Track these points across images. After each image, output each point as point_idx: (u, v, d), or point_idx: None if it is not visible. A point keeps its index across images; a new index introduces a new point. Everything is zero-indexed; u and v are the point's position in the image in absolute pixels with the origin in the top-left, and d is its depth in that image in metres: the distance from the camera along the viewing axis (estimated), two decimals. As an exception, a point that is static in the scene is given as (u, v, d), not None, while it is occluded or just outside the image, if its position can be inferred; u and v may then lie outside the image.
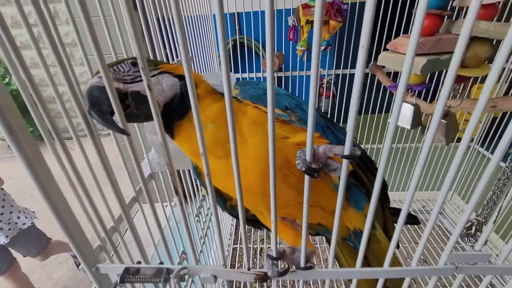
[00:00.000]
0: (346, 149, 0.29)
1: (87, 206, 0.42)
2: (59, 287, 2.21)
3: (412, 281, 1.53)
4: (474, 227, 1.05)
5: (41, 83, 4.16)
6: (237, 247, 1.84)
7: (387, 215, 0.66)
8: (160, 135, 0.31)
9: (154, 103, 0.28)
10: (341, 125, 0.60)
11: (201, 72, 1.13)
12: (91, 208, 0.42)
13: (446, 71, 0.27)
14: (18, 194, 2.02)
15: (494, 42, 0.65)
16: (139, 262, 0.45)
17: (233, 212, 0.66)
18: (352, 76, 1.69)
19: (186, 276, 0.43)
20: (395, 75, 0.71)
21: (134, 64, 0.48)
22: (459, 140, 1.88)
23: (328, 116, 2.51)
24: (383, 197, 0.68)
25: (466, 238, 1.07)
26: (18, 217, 1.69)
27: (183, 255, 0.82)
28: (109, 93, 0.29)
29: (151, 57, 0.78)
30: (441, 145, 1.83)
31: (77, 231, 0.42)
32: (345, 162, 0.30)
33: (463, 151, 0.30)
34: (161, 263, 0.45)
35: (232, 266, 1.74)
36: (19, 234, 1.68)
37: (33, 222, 1.77)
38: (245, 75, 1.65)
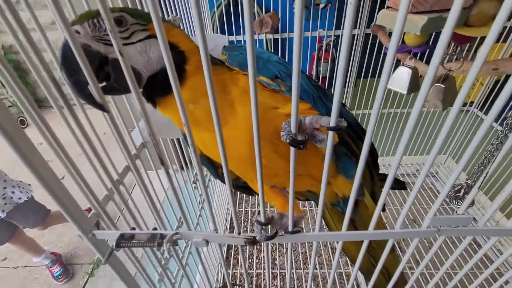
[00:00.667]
0: (332, 120, 0.28)
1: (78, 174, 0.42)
2: (70, 248, 2.35)
3: (401, 240, 1.62)
4: (463, 190, 1.09)
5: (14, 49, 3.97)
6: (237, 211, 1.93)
7: (375, 181, 0.67)
8: (141, 109, 0.29)
9: (133, 81, 0.27)
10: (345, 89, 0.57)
11: (191, 34, 1.06)
12: (79, 178, 0.42)
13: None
14: (13, 167, 2.05)
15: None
16: (133, 228, 0.47)
17: (224, 179, 0.67)
18: (354, 37, 1.60)
19: (186, 246, 0.45)
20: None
21: (120, 21, 0.43)
22: (465, 105, 1.85)
23: (328, 81, 2.44)
24: (372, 164, 0.69)
25: (454, 201, 1.10)
26: (13, 192, 1.71)
27: (181, 221, 0.85)
28: (81, 65, 0.26)
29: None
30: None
31: (68, 201, 0.43)
32: (330, 133, 0.29)
33: (455, 115, 0.29)
34: (155, 229, 0.47)
35: (232, 231, 1.83)
36: (16, 208, 1.72)
37: (29, 196, 1.80)
38: (240, 38, 1.56)
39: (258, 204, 1.97)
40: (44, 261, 2.04)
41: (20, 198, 1.74)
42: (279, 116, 0.49)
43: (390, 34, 1.30)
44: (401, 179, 2.14)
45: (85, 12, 0.43)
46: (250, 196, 1.99)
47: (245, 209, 1.99)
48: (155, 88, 0.47)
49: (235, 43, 1.60)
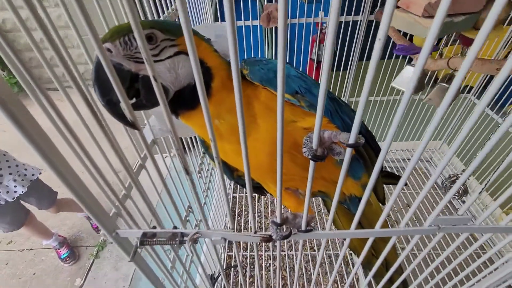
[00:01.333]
0: (352, 138, 0.30)
1: (96, 174, 0.44)
2: (74, 231, 2.41)
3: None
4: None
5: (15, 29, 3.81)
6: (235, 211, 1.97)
7: (378, 179, 0.70)
8: (170, 127, 0.31)
9: (165, 104, 0.28)
10: (340, 72, 0.57)
11: (193, 24, 1.04)
12: (100, 178, 0.44)
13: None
14: (17, 148, 2.04)
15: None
16: (154, 227, 0.50)
17: (239, 181, 0.70)
18: (355, 24, 1.57)
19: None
20: (404, 33, 0.67)
21: (150, 38, 0.43)
22: (463, 92, 1.87)
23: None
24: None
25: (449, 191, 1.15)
26: (25, 169, 1.75)
27: (200, 221, 0.88)
28: (114, 87, 0.27)
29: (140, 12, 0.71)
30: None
31: (91, 200, 0.44)
32: (349, 149, 0.31)
33: (448, 103, 0.28)
34: (175, 227, 0.49)
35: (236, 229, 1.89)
36: (31, 185, 1.76)
37: (40, 172, 1.84)
38: (241, 23, 1.52)
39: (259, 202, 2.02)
40: (52, 243, 2.11)
41: (33, 175, 1.78)
42: (298, 129, 0.51)
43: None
44: (396, 164, 2.20)
45: (115, 27, 0.43)
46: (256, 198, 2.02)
47: (254, 213, 2.04)
48: (180, 102, 0.48)
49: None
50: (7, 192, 1.67)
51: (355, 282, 1.49)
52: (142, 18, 0.72)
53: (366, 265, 0.74)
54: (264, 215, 1.89)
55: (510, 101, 1.40)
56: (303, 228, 0.45)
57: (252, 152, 0.45)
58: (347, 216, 0.70)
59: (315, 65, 3.04)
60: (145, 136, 0.73)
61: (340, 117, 0.55)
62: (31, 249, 2.28)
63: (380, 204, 0.69)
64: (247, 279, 1.49)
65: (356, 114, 0.29)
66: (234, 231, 0.47)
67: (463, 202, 1.48)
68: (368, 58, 1.67)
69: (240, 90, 0.27)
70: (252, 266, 1.58)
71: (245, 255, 1.68)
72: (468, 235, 0.49)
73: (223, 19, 1.52)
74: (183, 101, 0.48)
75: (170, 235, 0.48)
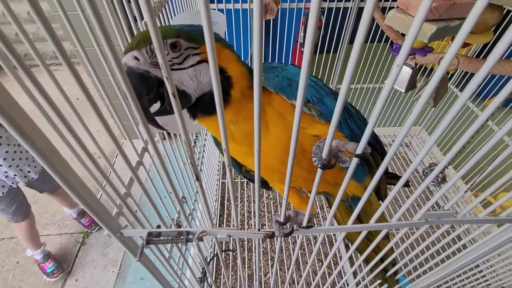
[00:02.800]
0: (359, 149, 0.32)
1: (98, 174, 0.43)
2: (57, 219, 2.35)
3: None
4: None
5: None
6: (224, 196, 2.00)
7: (382, 179, 0.74)
8: (186, 140, 0.31)
9: (182, 121, 0.28)
10: (330, 55, 0.59)
11: (176, 11, 0.98)
12: (101, 176, 0.43)
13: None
14: None
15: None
16: (158, 226, 0.50)
17: (247, 175, 0.72)
18: (345, 10, 1.56)
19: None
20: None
21: (174, 46, 0.43)
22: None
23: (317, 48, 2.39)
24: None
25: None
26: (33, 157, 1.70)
27: (192, 210, 0.89)
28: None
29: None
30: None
31: (92, 200, 0.44)
32: (355, 159, 0.33)
33: (429, 93, 0.29)
34: (179, 226, 0.50)
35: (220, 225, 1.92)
36: (42, 171, 1.77)
37: None
38: (230, 6, 1.46)
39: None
40: (37, 257, 1.96)
41: (33, 178, 1.75)
42: (306, 135, 0.52)
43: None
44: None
45: (141, 34, 0.44)
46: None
47: (260, 210, 2.07)
48: (199, 107, 0.49)
49: (224, 12, 1.48)
50: (24, 176, 1.67)
51: (338, 259, 1.60)
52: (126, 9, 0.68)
53: (361, 253, 0.80)
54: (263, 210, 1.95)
55: (489, 96, 1.49)
56: (304, 224, 0.48)
57: (262, 155, 0.47)
58: (348, 212, 0.74)
59: (303, 49, 3.02)
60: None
61: (349, 126, 0.57)
62: (11, 237, 2.22)
63: (381, 202, 0.74)
64: (246, 263, 1.55)
65: (366, 129, 0.31)
66: (238, 229, 0.49)
67: (440, 188, 1.59)
68: (351, 42, 1.68)
69: (260, 108, 0.28)
70: (241, 249, 1.64)
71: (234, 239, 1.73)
72: (449, 226, 0.55)
73: (212, 1, 1.45)
74: (202, 106, 0.49)
75: (175, 233, 0.49)
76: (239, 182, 2.07)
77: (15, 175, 1.62)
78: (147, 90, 0.35)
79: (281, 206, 1.91)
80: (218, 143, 0.67)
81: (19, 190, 1.75)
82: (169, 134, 1.07)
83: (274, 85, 0.52)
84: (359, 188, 0.66)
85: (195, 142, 1.27)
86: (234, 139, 0.53)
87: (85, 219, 2.24)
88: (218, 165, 2.12)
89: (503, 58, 0.62)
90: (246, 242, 1.71)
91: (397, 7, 0.61)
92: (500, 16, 0.59)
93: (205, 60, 0.46)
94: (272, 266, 1.69)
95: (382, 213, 0.49)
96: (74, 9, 0.35)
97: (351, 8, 1.51)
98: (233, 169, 0.77)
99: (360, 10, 1.51)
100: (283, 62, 2.14)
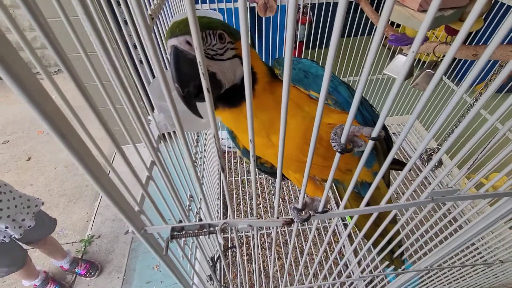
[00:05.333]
0: (375, 132, 0.34)
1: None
2: (57, 229, 2.31)
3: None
4: (434, 154, 1.27)
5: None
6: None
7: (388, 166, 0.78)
8: (214, 132, 0.33)
9: (212, 112, 0.30)
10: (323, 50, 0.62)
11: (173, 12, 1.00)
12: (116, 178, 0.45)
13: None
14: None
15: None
16: (180, 221, 0.52)
17: (261, 167, 0.75)
18: (328, 5, 1.60)
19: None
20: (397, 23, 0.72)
21: (221, 37, 0.46)
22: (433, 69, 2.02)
23: (305, 45, 2.44)
24: (387, 151, 0.78)
25: (427, 163, 1.29)
26: (28, 200, 1.56)
27: (199, 209, 0.91)
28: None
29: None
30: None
31: (119, 198, 0.45)
32: (371, 142, 0.36)
33: (433, 88, 0.32)
34: (200, 219, 0.52)
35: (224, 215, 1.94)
36: (38, 212, 1.60)
37: (43, 203, 1.65)
38: (222, 5, 1.47)
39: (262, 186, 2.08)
40: (35, 284, 1.86)
41: (36, 206, 1.58)
42: (322, 124, 0.54)
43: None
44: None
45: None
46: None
47: (279, 198, 2.09)
48: (222, 98, 0.52)
49: (209, 9, 1.49)
50: (19, 227, 1.44)
51: (343, 249, 1.64)
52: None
53: (367, 237, 0.83)
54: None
55: (477, 80, 1.55)
56: (320, 209, 0.50)
57: (278, 144, 0.49)
58: (355, 198, 0.77)
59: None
60: (153, 131, 0.73)
61: (361, 112, 0.60)
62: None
63: (386, 187, 0.78)
64: (244, 257, 1.58)
65: (381, 112, 0.33)
66: (257, 218, 0.51)
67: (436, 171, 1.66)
68: (349, 35, 1.72)
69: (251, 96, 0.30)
70: (247, 245, 1.66)
71: (240, 235, 1.76)
72: (453, 202, 0.58)
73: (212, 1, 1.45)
74: (226, 97, 0.52)
75: (198, 227, 0.50)
76: (239, 180, 2.09)
77: (6, 227, 1.39)
78: (197, 76, 0.36)
79: (288, 197, 1.95)
80: (233, 137, 0.69)
81: (12, 242, 1.53)
82: (169, 134, 1.08)
83: (291, 77, 0.54)
84: (368, 174, 0.69)
85: (197, 141, 1.28)
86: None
87: (80, 268, 1.96)
88: (218, 166, 2.14)
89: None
90: (250, 239, 1.73)
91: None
92: (489, 5, 0.63)
93: (238, 56, 0.49)
94: (278, 259, 1.72)
95: (390, 197, 0.52)
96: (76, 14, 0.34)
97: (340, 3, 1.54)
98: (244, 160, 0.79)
99: (350, 4, 1.55)
100: (277, 56, 2.17)
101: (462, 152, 0.43)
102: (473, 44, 0.72)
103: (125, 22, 0.57)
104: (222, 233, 0.50)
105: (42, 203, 1.66)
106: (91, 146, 0.36)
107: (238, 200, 2.01)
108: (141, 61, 0.55)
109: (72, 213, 2.44)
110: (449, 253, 0.79)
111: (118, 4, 0.56)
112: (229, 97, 0.51)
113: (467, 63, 1.98)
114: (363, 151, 0.68)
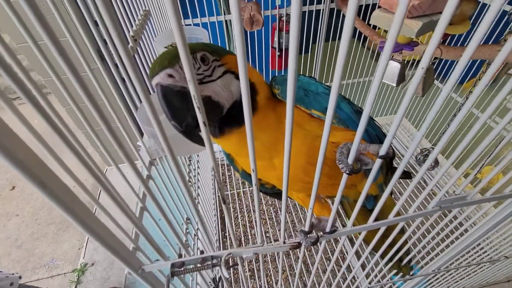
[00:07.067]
0: (383, 150, 0.33)
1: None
2: (47, 260, 2.20)
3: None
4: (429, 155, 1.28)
5: None
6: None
7: (388, 176, 0.76)
8: (211, 158, 0.30)
9: (209, 139, 0.27)
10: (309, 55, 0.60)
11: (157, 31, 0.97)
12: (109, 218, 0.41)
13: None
14: None
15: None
16: (180, 256, 0.49)
17: (262, 188, 0.72)
18: (318, 12, 1.61)
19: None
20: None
21: (203, 59, 0.44)
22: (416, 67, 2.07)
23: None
24: (389, 163, 0.77)
25: (423, 164, 1.30)
26: (7, 276, 1.31)
27: (197, 230, 0.87)
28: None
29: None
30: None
31: (111, 238, 0.41)
32: (379, 160, 0.34)
33: (415, 86, 0.31)
34: (202, 252, 0.49)
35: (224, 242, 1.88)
36: None
37: (20, 277, 1.35)
38: (205, 20, 1.46)
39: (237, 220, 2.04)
40: None
41: (12, 284, 1.28)
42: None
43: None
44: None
45: (170, 52, 0.43)
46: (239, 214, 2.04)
47: (285, 223, 2.05)
48: (227, 119, 0.49)
49: (192, 25, 1.48)
50: None
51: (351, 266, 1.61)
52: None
53: (375, 249, 0.81)
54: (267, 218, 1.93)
55: (467, 78, 1.58)
56: (328, 229, 0.48)
57: (279, 167, 0.47)
58: (361, 212, 0.75)
59: (277, 53, 3.07)
60: (142, 157, 0.69)
61: (366, 129, 0.58)
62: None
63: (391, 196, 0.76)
64: (247, 273, 1.53)
65: (389, 131, 0.31)
66: (262, 245, 0.48)
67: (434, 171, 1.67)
68: (334, 38, 1.74)
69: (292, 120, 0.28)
70: (249, 261, 1.61)
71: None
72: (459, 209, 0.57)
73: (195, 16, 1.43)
74: (230, 118, 0.49)
75: (200, 260, 0.47)
76: (235, 193, 2.05)
77: None
78: (190, 106, 0.34)
79: (293, 218, 1.91)
80: (231, 160, 0.66)
81: None
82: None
83: None
84: (373, 187, 0.67)
85: (190, 160, 1.25)
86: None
87: None
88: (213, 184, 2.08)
89: (481, 43, 0.67)
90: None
91: (379, 7, 0.64)
92: (475, 6, 0.64)
93: (229, 71, 0.47)
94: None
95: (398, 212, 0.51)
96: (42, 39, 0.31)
97: (323, 10, 1.57)
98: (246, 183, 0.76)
99: (332, 11, 1.57)
100: (263, 67, 2.17)
101: (457, 152, 0.41)
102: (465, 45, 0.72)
103: (105, 42, 0.54)
104: (226, 266, 0.46)
105: (20, 277, 1.35)
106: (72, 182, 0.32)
107: (236, 214, 1.96)
108: (127, 88, 0.52)
109: (62, 242, 2.33)
110: (456, 255, 0.78)
111: (96, 24, 0.53)
112: (235, 116, 0.48)
113: (454, 63, 2.02)
114: (370, 169, 0.66)
